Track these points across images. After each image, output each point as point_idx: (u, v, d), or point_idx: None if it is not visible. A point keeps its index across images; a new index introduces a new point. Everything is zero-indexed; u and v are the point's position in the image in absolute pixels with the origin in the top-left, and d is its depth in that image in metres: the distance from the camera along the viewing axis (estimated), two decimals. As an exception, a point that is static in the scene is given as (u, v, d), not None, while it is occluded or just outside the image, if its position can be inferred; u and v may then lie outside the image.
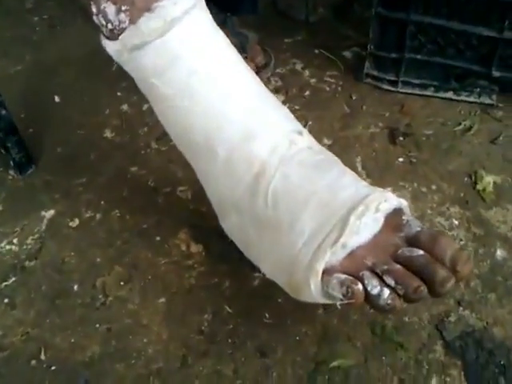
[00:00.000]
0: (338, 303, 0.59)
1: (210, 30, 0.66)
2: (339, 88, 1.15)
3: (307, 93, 1.14)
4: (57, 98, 1.17)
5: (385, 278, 0.58)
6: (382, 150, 1.00)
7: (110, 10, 0.60)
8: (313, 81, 1.17)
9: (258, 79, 0.70)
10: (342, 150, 0.99)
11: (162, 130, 0.72)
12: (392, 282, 0.57)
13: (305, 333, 0.75)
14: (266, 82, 1.16)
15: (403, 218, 0.63)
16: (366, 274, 0.59)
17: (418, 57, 1.08)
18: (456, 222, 0.87)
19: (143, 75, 0.65)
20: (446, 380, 0.70)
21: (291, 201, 0.63)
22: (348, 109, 1.09)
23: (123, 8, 0.60)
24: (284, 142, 0.66)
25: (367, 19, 1.09)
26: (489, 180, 0.92)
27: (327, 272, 0.60)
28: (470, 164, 0.96)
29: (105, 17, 0.61)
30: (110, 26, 0.61)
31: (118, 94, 1.15)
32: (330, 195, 0.63)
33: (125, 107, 1.13)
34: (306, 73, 1.19)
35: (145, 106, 1.10)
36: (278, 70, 1.20)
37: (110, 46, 0.64)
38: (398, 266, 0.59)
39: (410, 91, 1.12)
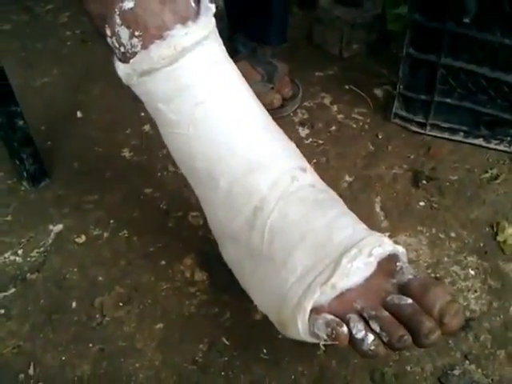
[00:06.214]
0: (322, 343, 0.58)
1: (220, 62, 0.66)
2: (366, 126, 1.13)
3: (333, 128, 1.12)
4: (79, 113, 1.18)
5: (371, 323, 0.57)
6: (404, 192, 0.97)
7: (124, 33, 0.60)
8: (340, 116, 1.15)
9: (266, 113, 0.70)
10: (363, 188, 0.97)
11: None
12: (377, 328, 0.57)
13: (301, 372, 0.72)
14: (293, 115, 1.15)
15: (397, 264, 0.61)
16: (353, 317, 0.58)
17: (448, 100, 1.06)
18: (472, 272, 0.84)
19: (151, 100, 0.65)
20: None
21: (287, 238, 0.63)
22: (373, 147, 1.07)
23: (136, 33, 0.60)
24: (286, 177, 0.65)
25: (401, 58, 1.07)
26: (511, 232, 0.89)
27: (315, 311, 0.59)
28: (493, 214, 0.93)
29: (118, 40, 0.61)
30: (122, 49, 0.62)
31: (141, 114, 1.14)
32: (326, 235, 0.62)
33: (146, 128, 1.12)
34: (334, 108, 1.18)
35: (166, 128, 1.09)
36: (305, 103, 1.19)
37: (121, 69, 0.64)
38: (386, 313, 0.57)
39: (438, 135, 1.09)
